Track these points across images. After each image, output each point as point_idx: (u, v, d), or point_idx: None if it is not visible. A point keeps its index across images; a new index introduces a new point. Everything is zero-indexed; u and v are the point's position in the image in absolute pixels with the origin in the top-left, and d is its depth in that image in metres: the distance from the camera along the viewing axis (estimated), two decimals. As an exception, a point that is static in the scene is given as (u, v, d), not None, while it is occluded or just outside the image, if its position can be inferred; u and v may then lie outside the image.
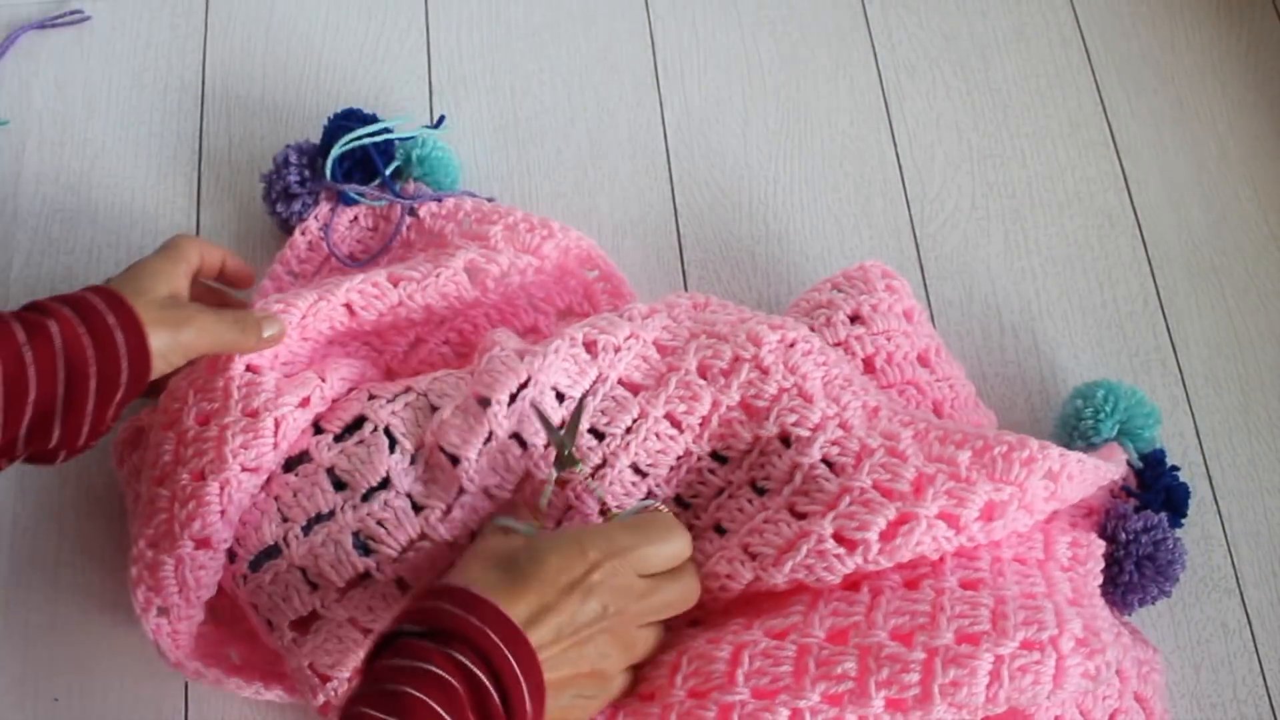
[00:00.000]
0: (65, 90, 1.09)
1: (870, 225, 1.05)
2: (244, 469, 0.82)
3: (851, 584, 0.80)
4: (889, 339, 0.90)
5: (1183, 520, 0.93)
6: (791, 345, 0.84)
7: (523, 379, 0.83)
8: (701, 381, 0.84)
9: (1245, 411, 0.99)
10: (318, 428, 0.86)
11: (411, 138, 1.01)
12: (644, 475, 0.85)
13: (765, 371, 0.84)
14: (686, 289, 1.01)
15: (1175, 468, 0.93)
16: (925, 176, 1.07)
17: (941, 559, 0.80)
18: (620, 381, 0.85)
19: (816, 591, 0.80)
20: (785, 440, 0.83)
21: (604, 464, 0.83)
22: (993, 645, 0.74)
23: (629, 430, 0.84)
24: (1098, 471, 0.84)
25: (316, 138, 1.01)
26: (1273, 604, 0.93)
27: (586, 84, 1.10)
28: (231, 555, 0.84)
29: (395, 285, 0.90)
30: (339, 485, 0.84)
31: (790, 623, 0.78)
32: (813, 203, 1.06)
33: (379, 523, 0.83)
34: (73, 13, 1.12)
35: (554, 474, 0.83)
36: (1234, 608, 0.93)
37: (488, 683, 0.68)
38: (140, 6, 1.12)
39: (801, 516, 0.80)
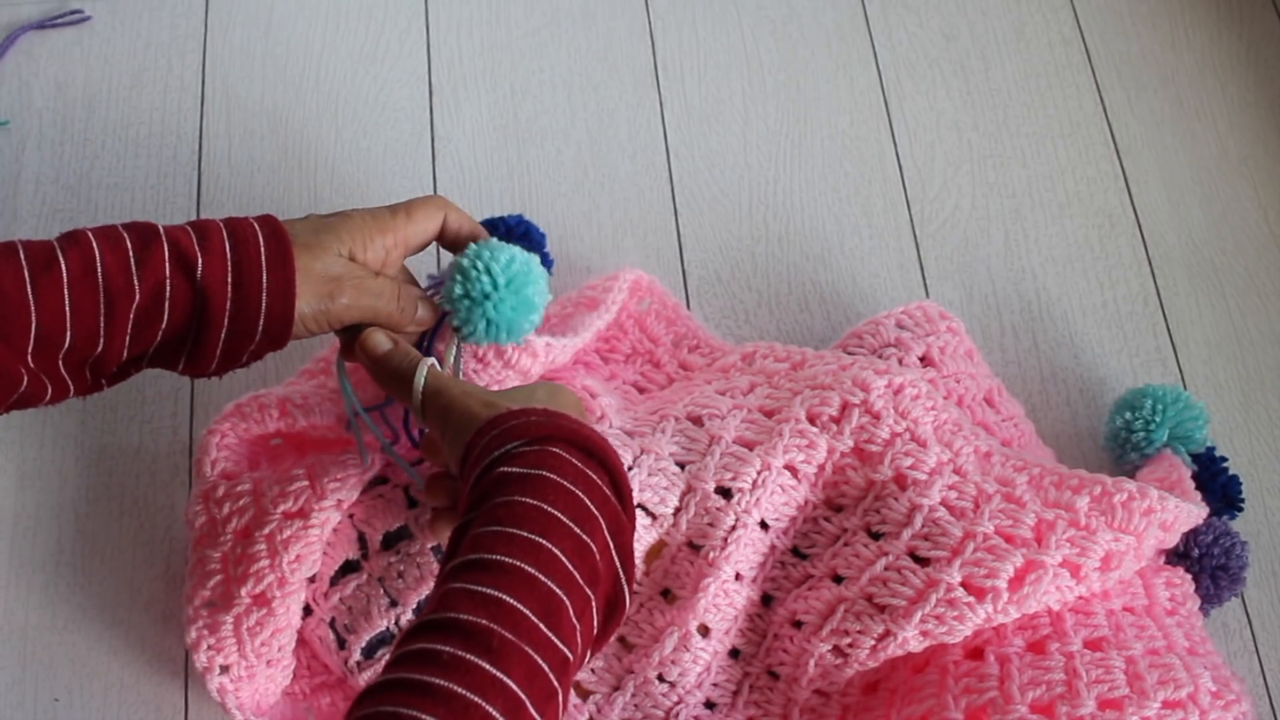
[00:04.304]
0: (65, 90, 1.09)
1: (870, 225, 1.05)
2: (286, 516, 0.81)
3: (975, 651, 0.79)
4: (958, 381, 0.90)
5: (1238, 512, 0.92)
6: (899, 391, 0.84)
7: (637, 452, 0.83)
8: (815, 429, 0.83)
9: (1245, 411, 0.99)
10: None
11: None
12: (767, 529, 0.84)
13: (876, 416, 0.83)
14: (686, 289, 1.02)
15: (1224, 459, 0.93)
16: (925, 176, 1.07)
17: (1061, 618, 0.80)
18: (735, 441, 0.84)
19: (942, 667, 0.79)
20: (900, 483, 0.82)
21: (736, 524, 0.82)
22: (1137, 709, 0.74)
23: (755, 485, 0.82)
24: (1191, 517, 0.84)
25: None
26: (1273, 604, 0.93)
27: (586, 84, 1.10)
28: (341, 642, 0.84)
29: None
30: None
31: (926, 708, 0.77)
32: (813, 203, 1.06)
33: None
34: (73, 13, 1.12)
35: (456, 338, 0.81)
36: (1234, 608, 0.92)
37: (603, 477, 0.69)
38: (140, 6, 1.12)
39: (924, 561, 0.80)
